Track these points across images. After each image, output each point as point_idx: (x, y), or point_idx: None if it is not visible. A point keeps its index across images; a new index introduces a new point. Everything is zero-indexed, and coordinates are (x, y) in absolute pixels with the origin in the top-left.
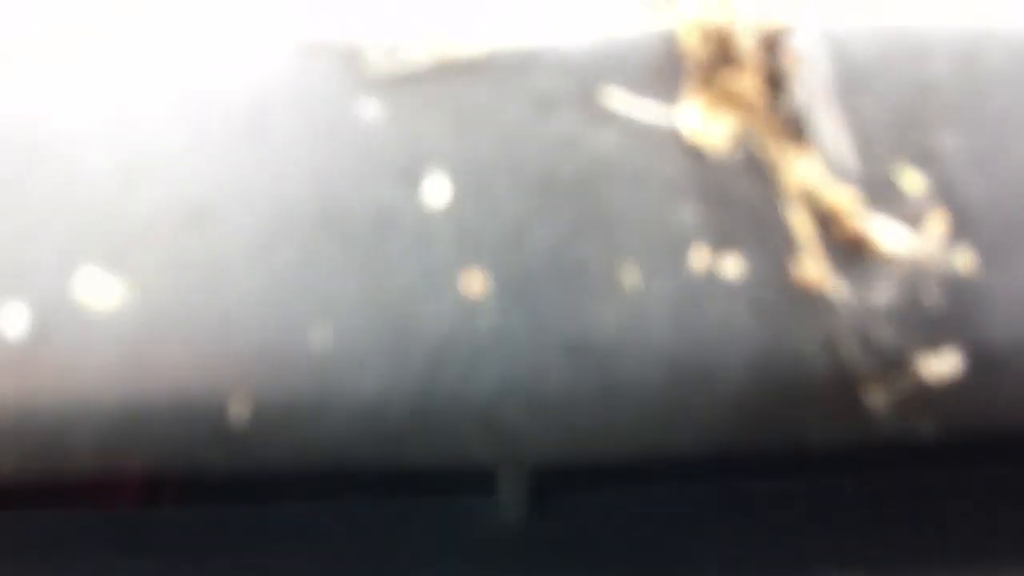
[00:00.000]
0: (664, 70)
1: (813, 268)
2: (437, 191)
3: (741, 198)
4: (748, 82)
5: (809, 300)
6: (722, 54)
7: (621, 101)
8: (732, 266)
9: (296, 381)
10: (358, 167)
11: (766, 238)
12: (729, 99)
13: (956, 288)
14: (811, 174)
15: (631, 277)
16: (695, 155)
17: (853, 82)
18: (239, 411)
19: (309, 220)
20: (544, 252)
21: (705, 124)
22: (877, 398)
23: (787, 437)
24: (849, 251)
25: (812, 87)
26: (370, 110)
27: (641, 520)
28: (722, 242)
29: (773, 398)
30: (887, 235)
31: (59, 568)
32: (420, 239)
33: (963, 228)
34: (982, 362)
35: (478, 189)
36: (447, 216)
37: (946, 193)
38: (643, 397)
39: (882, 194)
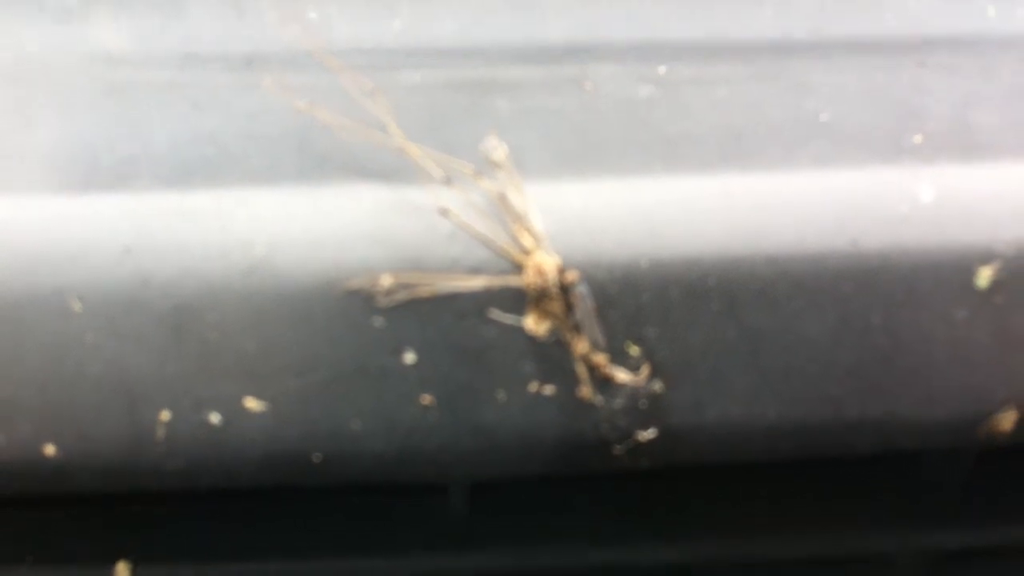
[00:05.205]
0: (518, 300)
1: (587, 391)
2: (410, 357)
3: (553, 359)
4: (555, 306)
5: (586, 405)
6: (543, 293)
7: (498, 315)
8: (550, 390)
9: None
10: (375, 349)
11: (566, 377)
12: (546, 314)
13: (653, 400)
14: (584, 348)
15: (502, 397)
16: (533, 339)
17: (603, 306)
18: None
19: (346, 372)
20: (459, 385)
21: (536, 325)
22: (620, 450)
23: (586, 466)
24: (603, 383)
25: (584, 308)
26: (378, 322)
27: (557, 510)
28: (545, 378)
29: (575, 448)
30: (621, 375)
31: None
32: (401, 380)
33: (657, 372)
34: (666, 433)
35: (431, 356)
36: (415, 369)
37: (648, 356)
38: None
39: (618, 357)
